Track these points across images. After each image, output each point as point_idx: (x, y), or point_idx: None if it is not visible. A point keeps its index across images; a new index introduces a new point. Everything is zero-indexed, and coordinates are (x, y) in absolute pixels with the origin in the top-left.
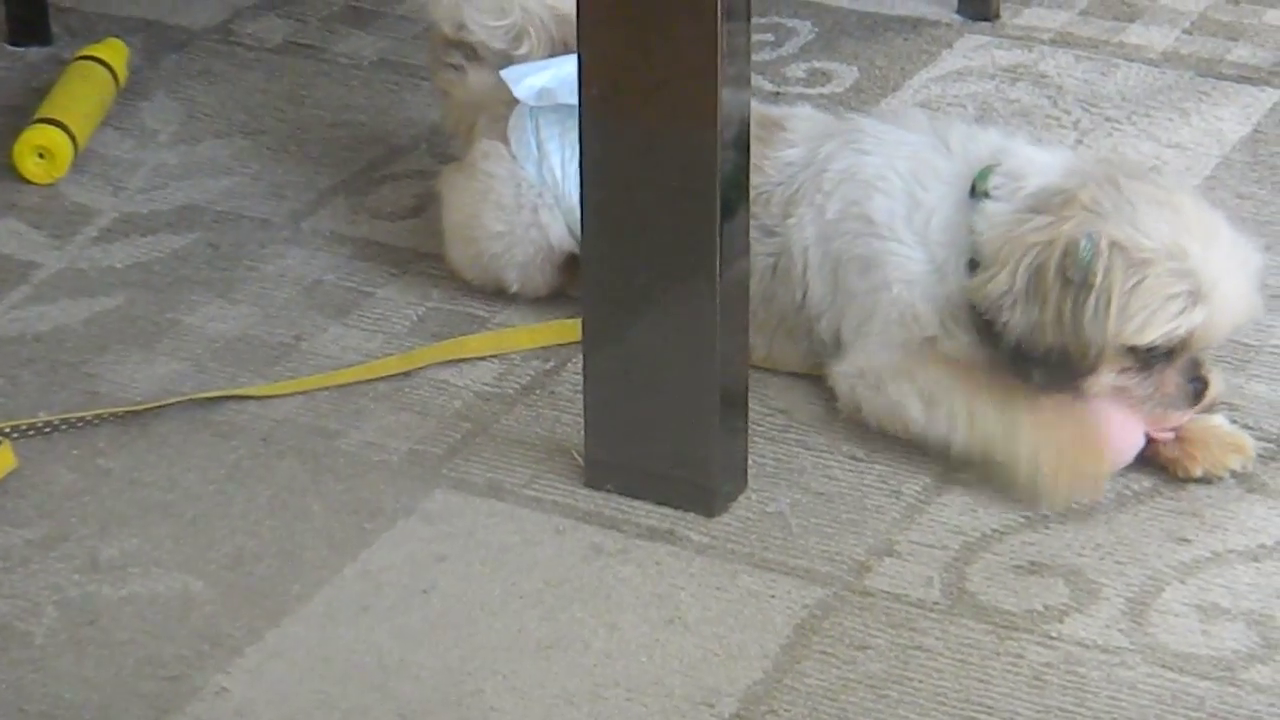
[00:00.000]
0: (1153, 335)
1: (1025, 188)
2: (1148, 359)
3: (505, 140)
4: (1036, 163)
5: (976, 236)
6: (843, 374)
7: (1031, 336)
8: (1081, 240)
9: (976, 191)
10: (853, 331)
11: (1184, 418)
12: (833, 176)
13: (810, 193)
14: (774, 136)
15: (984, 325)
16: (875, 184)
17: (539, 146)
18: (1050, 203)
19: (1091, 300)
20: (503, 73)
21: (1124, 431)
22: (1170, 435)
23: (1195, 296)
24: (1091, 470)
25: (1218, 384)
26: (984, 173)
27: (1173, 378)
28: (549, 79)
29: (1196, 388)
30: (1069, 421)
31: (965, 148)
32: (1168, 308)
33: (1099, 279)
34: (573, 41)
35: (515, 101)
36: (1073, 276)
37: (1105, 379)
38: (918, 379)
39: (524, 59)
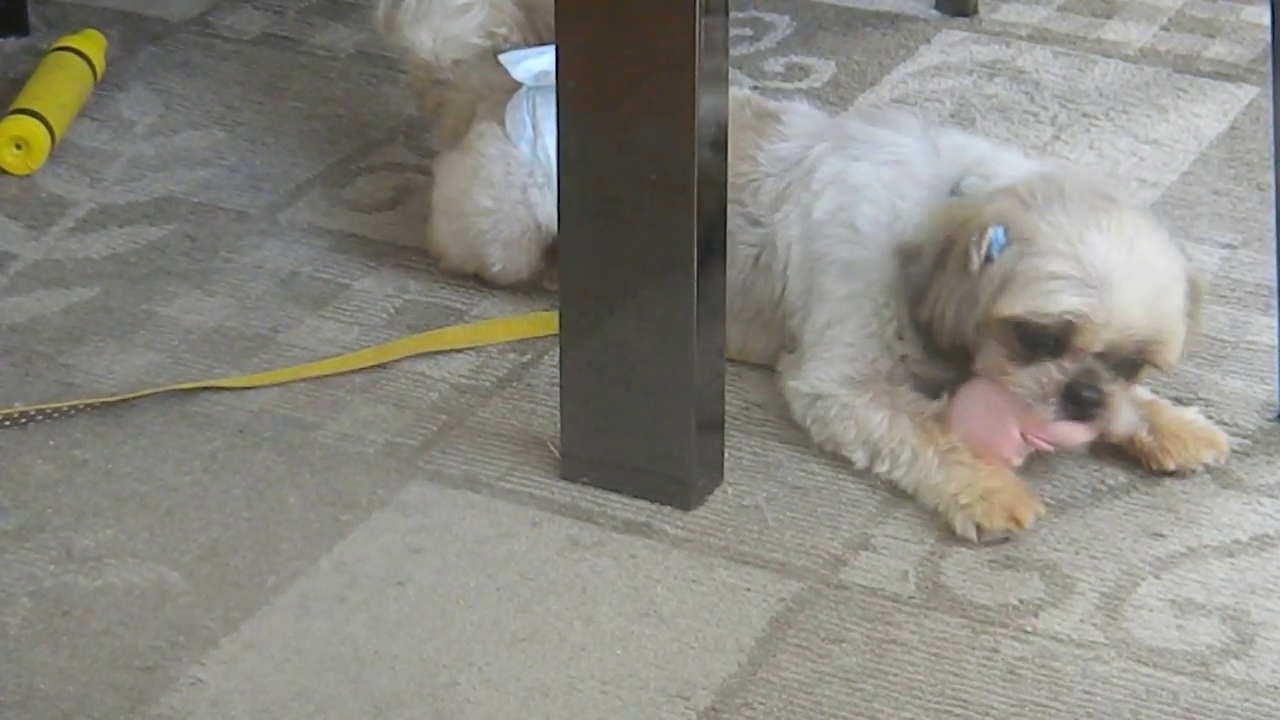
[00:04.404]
0: (1021, 306)
1: (992, 185)
2: (1031, 346)
3: (501, 122)
4: (1015, 167)
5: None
6: (797, 393)
7: (921, 297)
8: (988, 227)
9: (954, 193)
10: (816, 332)
11: (1062, 432)
12: (822, 178)
13: (798, 191)
14: (769, 128)
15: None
16: (863, 191)
17: (534, 126)
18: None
19: (963, 287)
20: (501, 56)
21: (990, 429)
22: (1048, 446)
23: (1079, 282)
24: (1012, 505)
25: (1122, 413)
26: (964, 177)
27: (1052, 372)
28: (547, 62)
29: (1085, 394)
30: (986, 462)
31: (953, 153)
32: (1045, 284)
33: (975, 267)
34: (542, 27)
35: (514, 89)
36: (966, 260)
37: (988, 357)
38: (861, 425)
39: (507, 47)
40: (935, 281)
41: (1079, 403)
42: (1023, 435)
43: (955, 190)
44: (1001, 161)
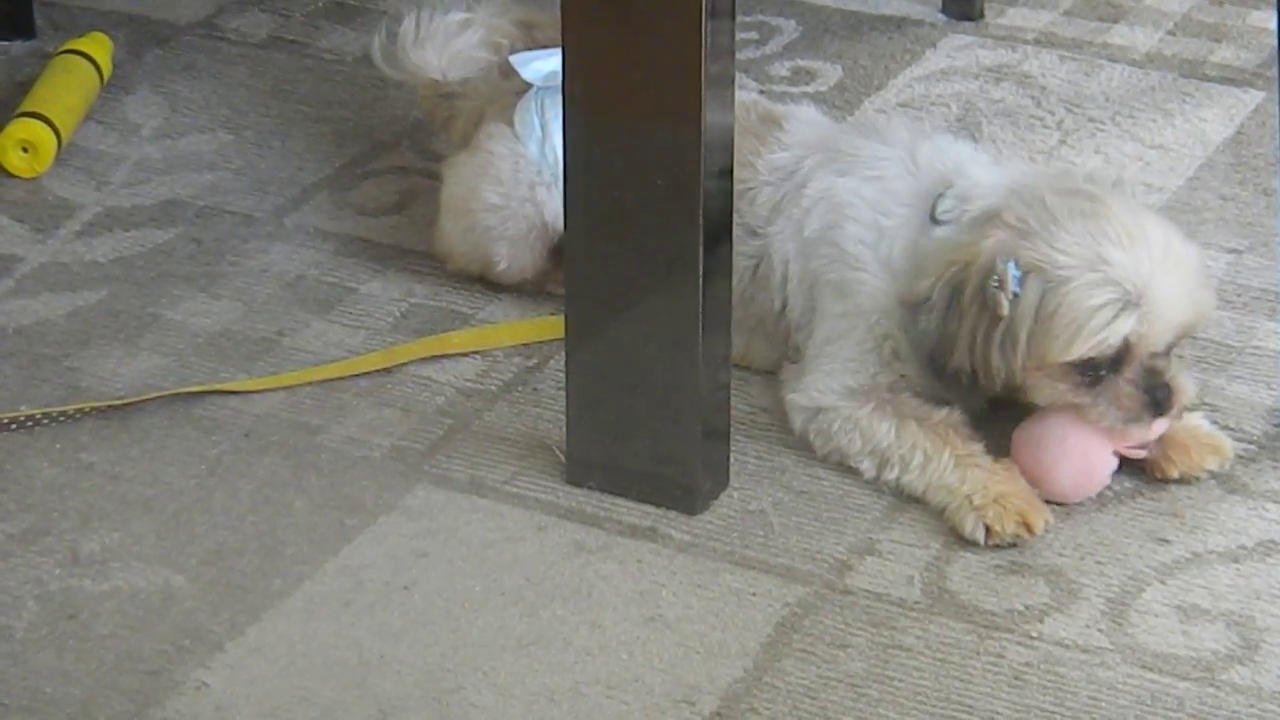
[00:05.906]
0: (1081, 349)
1: (970, 211)
2: (1092, 373)
3: (510, 122)
4: (984, 185)
5: (926, 264)
6: (797, 406)
7: (942, 349)
8: (998, 264)
9: (932, 217)
10: (818, 347)
11: (1153, 430)
12: (811, 194)
13: (791, 206)
14: (770, 135)
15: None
16: (846, 210)
17: (542, 126)
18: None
19: (999, 332)
20: (511, 57)
21: (1086, 455)
22: (1143, 452)
23: (1124, 303)
24: (1025, 511)
25: (1187, 387)
26: (939, 198)
27: (1126, 389)
28: (556, 63)
29: (1159, 395)
30: (1002, 468)
31: (930, 165)
32: (1094, 319)
33: (1005, 311)
34: (545, 41)
35: (524, 90)
36: (989, 303)
37: (1050, 396)
38: (868, 436)
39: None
40: (957, 330)
41: (1159, 404)
42: (1115, 452)
43: (933, 217)
44: (971, 177)
